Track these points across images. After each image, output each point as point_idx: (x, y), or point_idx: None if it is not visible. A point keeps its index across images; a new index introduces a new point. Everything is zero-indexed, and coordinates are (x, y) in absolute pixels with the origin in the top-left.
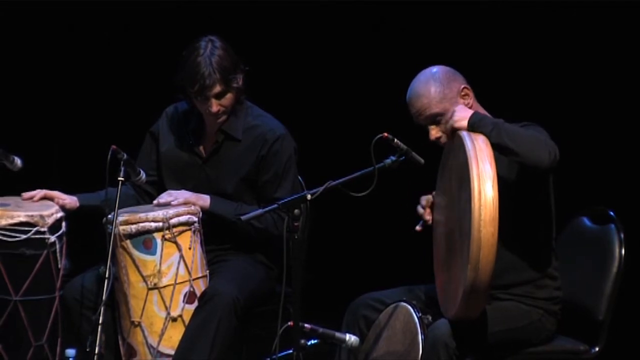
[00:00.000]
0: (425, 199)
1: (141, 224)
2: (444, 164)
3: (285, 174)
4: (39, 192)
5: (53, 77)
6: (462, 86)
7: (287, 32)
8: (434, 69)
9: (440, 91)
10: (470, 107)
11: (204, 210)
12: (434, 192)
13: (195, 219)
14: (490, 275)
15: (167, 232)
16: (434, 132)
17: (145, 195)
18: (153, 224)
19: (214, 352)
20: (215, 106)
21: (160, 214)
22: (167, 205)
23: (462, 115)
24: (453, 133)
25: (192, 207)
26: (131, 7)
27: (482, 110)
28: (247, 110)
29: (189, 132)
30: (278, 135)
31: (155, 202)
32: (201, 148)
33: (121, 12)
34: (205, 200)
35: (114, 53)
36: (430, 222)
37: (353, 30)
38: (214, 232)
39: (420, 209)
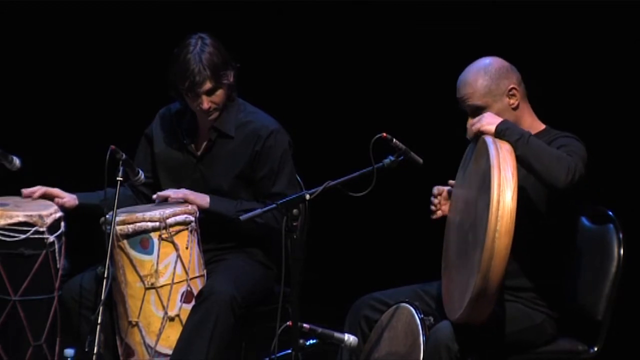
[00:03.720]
0: (437, 189)
1: (138, 224)
2: (466, 165)
3: (281, 169)
4: (39, 189)
5: (53, 77)
6: (511, 86)
7: (287, 32)
8: (489, 60)
9: (486, 85)
10: (515, 108)
11: (203, 209)
12: (449, 181)
13: (192, 218)
14: (499, 285)
15: (164, 231)
16: (471, 122)
17: (142, 197)
18: (150, 224)
19: (211, 350)
20: (206, 103)
21: (157, 213)
22: (165, 198)
23: (490, 120)
24: (479, 136)
25: (189, 207)
26: (132, 7)
27: (529, 112)
28: (240, 106)
29: (182, 131)
30: (271, 130)
31: (154, 196)
32: (195, 146)
33: (121, 12)
34: (204, 198)
35: (114, 53)
36: (440, 211)
37: (352, 30)
38: (212, 231)
39: (433, 199)
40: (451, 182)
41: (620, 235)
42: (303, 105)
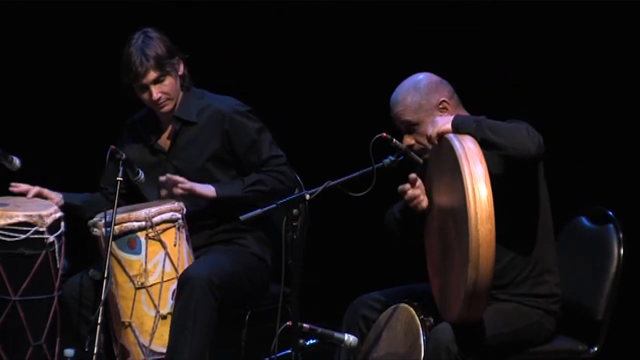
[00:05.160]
0: (404, 187)
1: (124, 224)
2: (432, 173)
3: (259, 137)
4: (30, 189)
5: (52, 77)
6: (442, 99)
7: (287, 32)
8: (420, 76)
9: (416, 101)
10: None
11: (212, 198)
12: (410, 175)
13: (179, 215)
14: (491, 272)
15: (150, 230)
16: (407, 140)
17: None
18: (136, 224)
19: (196, 335)
20: (155, 93)
21: (142, 213)
22: (175, 182)
23: (444, 121)
24: (440, 139)
25: (175, 204)
26: (131, 8)
27: None
28: (198, 94)
29: (147, 132)
30: (232, 106)
31: (162, 178)
32: (161, 142)
33: (121, 13)
34: (208, 188)
35: (115, 53)
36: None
37: (352, 30)
38: (202, 228)
39: (411, 193)
40: (412, 175)
41: (620, 235)
42: (303, 105)
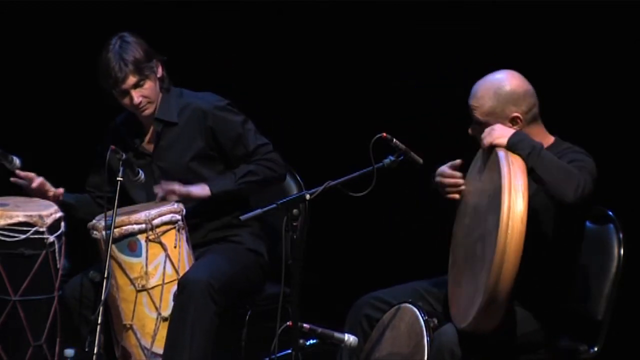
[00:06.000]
0: (450, 172)
1: (124, 227)
2: (477, 166)
3: (244, 129)
4: (36, 179)
5: (53, 77)
6: (516, 114)
7: (287, 32)
8: (507, 78)
9: (491, 106)
10: None
11: (207, 198)
12: (457, 161)
13: (179, 217)
14: (505, 303)
15: (150, 233)
16: (472, 131)
17: (100, 207)
18: (136, 226)
19: (195, 340)
20: (136, 97)
21: (142, 215)
22: (173, 191)
23: (502, 132)
24: (491, 148)
25: (175, 206)
26: (131, 8)
27: (537, 131)
28: (177, 93)
29: (130, 136)
30: (213, 102)
31: (157, 189)
32: (145, 146)
33: (121, 13)
34: (204, 188)
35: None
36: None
37: (352, 29)
38: (196, 226)
39: (449, 180)
40: (458, 161)
41: (620, 235)
42: (303, 105)
